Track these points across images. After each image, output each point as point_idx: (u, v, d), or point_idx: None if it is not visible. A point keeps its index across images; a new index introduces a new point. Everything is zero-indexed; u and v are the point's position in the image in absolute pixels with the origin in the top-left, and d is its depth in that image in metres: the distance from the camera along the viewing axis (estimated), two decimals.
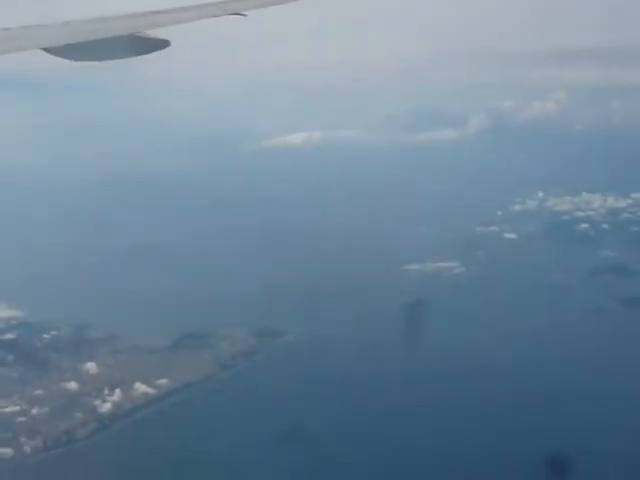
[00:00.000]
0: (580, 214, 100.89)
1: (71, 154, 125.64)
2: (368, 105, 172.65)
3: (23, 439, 53.60)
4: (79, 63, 10.19)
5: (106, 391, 59.99)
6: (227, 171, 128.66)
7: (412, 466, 51.44)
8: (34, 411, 57.31)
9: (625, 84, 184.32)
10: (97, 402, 58.61)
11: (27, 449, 52.62)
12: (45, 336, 70.70)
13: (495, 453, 51.71)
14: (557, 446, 51.07)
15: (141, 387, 60.45)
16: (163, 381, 61.65)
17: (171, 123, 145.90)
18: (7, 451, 51.89)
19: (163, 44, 10.54)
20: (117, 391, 59.66)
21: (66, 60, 9.99)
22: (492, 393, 59.68)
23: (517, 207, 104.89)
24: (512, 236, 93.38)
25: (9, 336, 70.75)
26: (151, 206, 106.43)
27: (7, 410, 57.42)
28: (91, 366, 64.19)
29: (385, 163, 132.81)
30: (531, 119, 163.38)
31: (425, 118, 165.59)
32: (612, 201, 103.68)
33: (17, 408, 57.64)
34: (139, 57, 10.52)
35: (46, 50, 9.51)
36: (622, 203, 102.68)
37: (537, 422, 55.20)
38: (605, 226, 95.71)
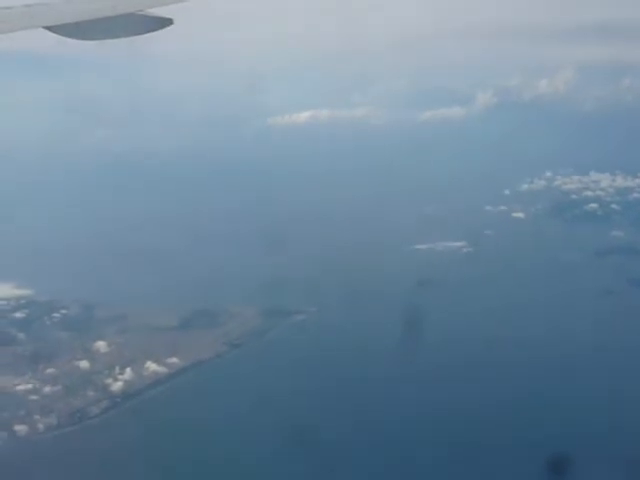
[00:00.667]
0: (589, 194, 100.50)
1: (78, 131, 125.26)
2: (374, 83, 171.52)
3: (37, 417, 53.97)
4: (81, 42, 10.06)
5: (117, 370, 60.27)
6: (233, 149, 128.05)
7: (418, 437, 51.82)
8: (47, 389, 57.66)
9: (635, 62, 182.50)
10: (109, 380, 58.92)
11: (41, 426, 53.01)
12: (55, 315, 70.94)
13: (507, 429, 52.14)
14: (570, 427, 51.57)
15: (152, 366, 60.69)
16: (174, 360, 61.89)
17: (176, 101, 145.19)
18: (22, 428, 52.24)
19: (166, 22, 10.43)
20: (128, 370, 59.98)
21: (68, 39, 9.86)
22: (502, 372, 59.91)
23: (525, 186, 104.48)
24: (520, 215, 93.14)
25: (19, 315, 70.89)
26: (158, 183, 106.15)
27: (20, 388, 57.73)
28: (101, 345, 64.41)
29: (392, 141, 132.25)
30: (538, 97, 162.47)
31: (432, 95, 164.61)
32: (621, 181, 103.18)
33: (30, 386, 57.99)
34: (142, 36, 10.41)
35: (49, 29, 9.39)
36: (631, 183, 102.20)
37: (548, 400, 55.50)
38: (614, 206, 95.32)
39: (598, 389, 56.72)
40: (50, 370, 60.67)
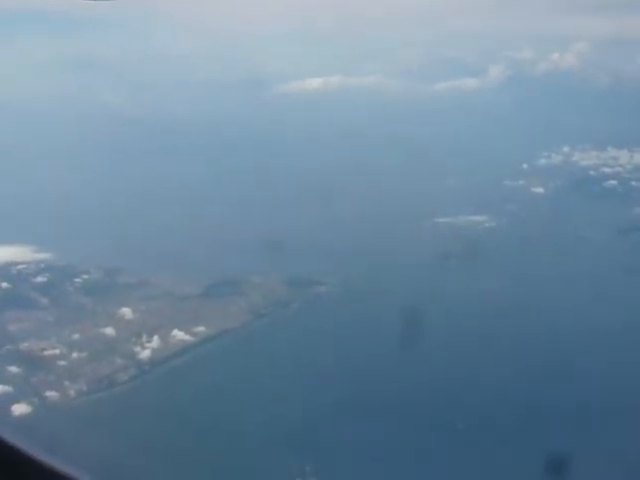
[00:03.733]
0: (607, 170, 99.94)
1: (94, 92, 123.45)
2: (386, 51, 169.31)
3: (67, 383, 53.90)
4: (98, 2, 9.45)
5: (144, 337, 60.11)
6: (245, 114, 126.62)
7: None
8: (74, 355, 57.47)
9: None
10: (136, 348, 58.74)
11: (72, 392, 52.96)
12: (77, 280, 70.39)
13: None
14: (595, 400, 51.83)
15: (179, 334, 60.54)
16: (200, 328, 61.71)
17: (189, 65, 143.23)
18: (53, 394, 52.19)
19: None
20: (155, 337, 59.77)
21: None
22: (526, 346, 59.98)
23: (543, 161, 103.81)
24: (540, 190, 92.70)
25: (40, 279, 70.28)
26: (174, 147, 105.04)
27: (48, 353, 57.53)
28: (126, 311, 64.07)
29: (405, 111, 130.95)
30: (551, 70, 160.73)
31: (443, 66, 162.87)
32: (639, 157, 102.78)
33: (57, 352, 57.71)
34: None
35: None
36: None
37: (571, 374, 55.63)
38: (634, 183, 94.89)
39: (625, 364, 57.04)
40: (76, 336, 60.32)
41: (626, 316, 63.85)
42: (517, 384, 55.37)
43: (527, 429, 49.18)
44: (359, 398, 53.33)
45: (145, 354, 57.90)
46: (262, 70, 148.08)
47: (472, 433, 49.13)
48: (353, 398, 53.27)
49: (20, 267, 72.14)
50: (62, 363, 56.43)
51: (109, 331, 60.76)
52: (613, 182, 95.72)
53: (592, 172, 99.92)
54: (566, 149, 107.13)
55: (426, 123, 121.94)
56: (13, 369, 55.03)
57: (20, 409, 49.71)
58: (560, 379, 55.35)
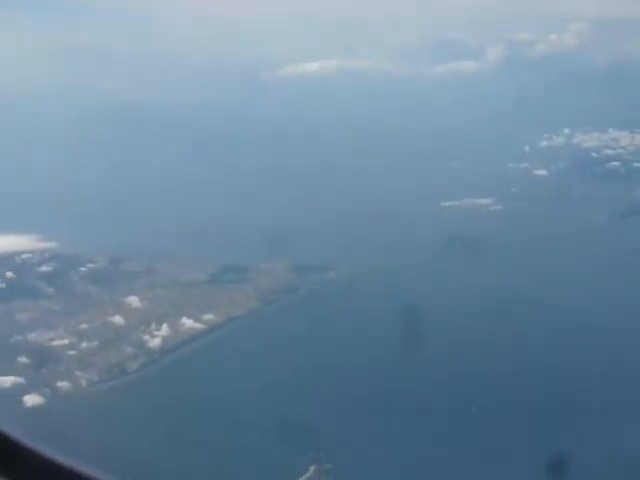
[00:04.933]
0: (609, 152, 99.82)
1: (89, 79, 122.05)
2: (383, 34, 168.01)
3: (78, 372, 53.62)
4: None
5: (153, 326, 59.83)
6: (244, 99, 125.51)
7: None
8: (84, 344, 57.16)
9: None
10: (146, 336, 58.48)
11: (83, 382, 52.71)
12: (82, 269, 69.90)
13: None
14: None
15: (188, 322, 60.28)
16: (209, 316, 61.46)
17: (185, 51, 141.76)
18: (64, 384, 51.92)
19: None
20: (164, 326, 59.49)
21: None
22: (533, 329, 60.03)
23: (544, 143, 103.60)
24: (543, 173, 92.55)
25: (45, 268, 69.80)
26: (173, 134, 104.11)
27: (56, 343, 57.17)
28: (133, 300, 63.71)
29: (405, 94, 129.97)
30: (550, 51, 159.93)
31: (441, 48, 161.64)
32: None
33: (66, 341, 57.36)
34: None
35: None
36: None
37: (576, 359, 55.74)
38: (636, 164, 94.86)
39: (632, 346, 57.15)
40: (84, 325, 60.01)
41: (630, 298, 63.99)
42: (522, 366, 55.53)
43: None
44: (367, 382, 53.42)
45: (155, 342, 57.66)
46: (259, 55, 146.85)
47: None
48: (362, 382, 53.38)
49: (24, 256, 71.60)
50: (72, 353, 56.14)
51: (117, 320, 60.46)
52: (615, 164, 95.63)
53: (594, 154, 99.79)
54: (567, 131, 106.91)
55: (426, 106, 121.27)
56: (22, 360, 54.64)
57: (32, 400, 49.49)
58: (565, 360, 55.57)
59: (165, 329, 59.12)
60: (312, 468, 46.21)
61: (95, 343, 57.69)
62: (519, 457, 44.86)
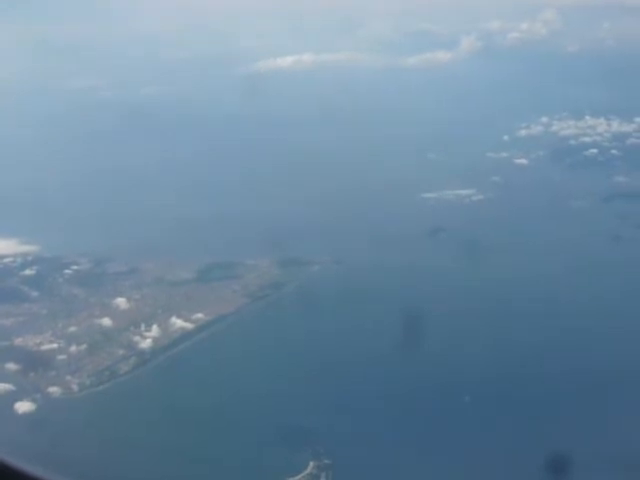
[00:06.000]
0: (587, 139, 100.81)
1: (63, 75, 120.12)
2: (356, 26, 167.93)
3: (68, 377, 52.93)
4: None
5: (142, 326, 59.24)
6: (220, 93, 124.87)
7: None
8: (73, 348, 56.39)
9: (614, 3, 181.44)
10: (136, 338, 57.87)
11: (74, 387, 52.03)
12: (66, 271, 69.03)
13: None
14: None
15: (177, 322, 59.78)
16: (198, 315, 60.95)
17: (159, 46, 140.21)
18: (55, 390, 51.16)
19: None
20: (154, 326, 58.95)
21: None
22: (518, 319, 60.45)
23: (523, 132, 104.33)
24: (523, 162, 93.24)
25: (28, 272, 68.68)
26: (151, 129, 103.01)
27: (45, 348, 56.41)
28: (121, 301, 63.04)
29: (381, 86, 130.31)
30: (522, 40, 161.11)
31: (414, 39, 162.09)
32: (616, 125, 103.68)
33: (55, 345, 56.59)
34: None
35: None
36: (627, 128, 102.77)
37: (564, 343, 56.34)
38: (614, 152, 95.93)
39: (615, 329, 57.92)
40: (72, 328, 59.22)
41: (613, 281, 64.81)
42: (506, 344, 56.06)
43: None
44: (361, 376, 53.52)
45: (146, 343, 57.02)
46: (233, 49, 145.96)
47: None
48: (354, 376, 53.46)
49: (6, 260, 70.57)
50: (61, 357, 55.37)
51: (106, 322, 59.74)
52: (594, 151, 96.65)
53: (572, 142, 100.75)
54: (544, 119, 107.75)
55: (402, 98, 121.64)
56: (11, 366, 53.85)
57: (24, 407, 48.70)
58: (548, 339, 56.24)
59: (155, 330, 58.55)
60: (311, 464, 46.31)
61: (84, 346, 56.89)
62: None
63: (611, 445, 43.69)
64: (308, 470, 45.88)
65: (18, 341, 57.63)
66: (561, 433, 45.32)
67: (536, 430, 46.55)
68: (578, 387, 50.72)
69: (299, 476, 45.38)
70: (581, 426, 46.06)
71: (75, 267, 69.63)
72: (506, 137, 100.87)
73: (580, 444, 43.22)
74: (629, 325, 57.96)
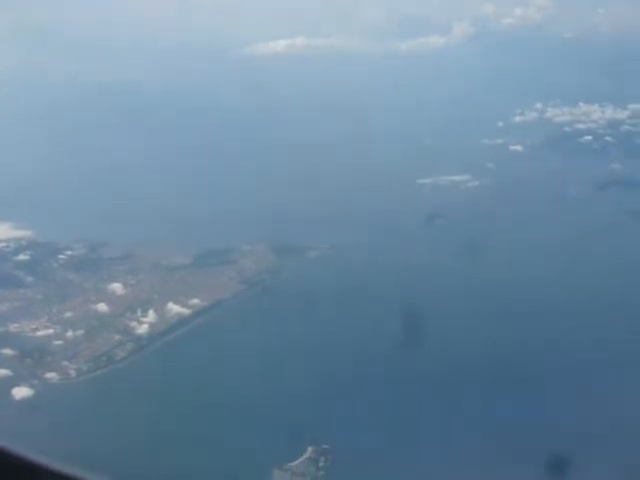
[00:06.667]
0: (581, 126, 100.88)
1: (47, 63, 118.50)
2: (349, 11, 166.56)
3: (65, 362, 52.71)
4: None
5: (139, 312, 59.04)
6: (213, 78, 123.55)
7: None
8: (69, 334, 56.15)
9: None
10: (132, 323, 57.72)
11: (72, 372, 51.86)
12: (61, 256, 68.59)
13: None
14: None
15: (174, 307, 59.61)
16: (195, 301, 60.83)
17: (147, 31, 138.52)
18: (53, 375, 51.03)
19: None
20: (151, 312, 58.77)
21: None
22: (515, 305, 60.62)
23: (517, 118, 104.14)
24: (518, 148, 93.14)
25: (22, 257, 68.20)
26: (142, 118, 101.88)
27: (41, 333, 56.14)
28: (117, 286, 62.80)
29: (374, 72, 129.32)
30: (516, 26, 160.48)
31: (407, 24, 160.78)
32: (611, 112, 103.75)
33: (51, 331, 56.37)
34: None
35: None
36: (621, 115, 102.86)
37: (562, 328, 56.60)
38: (608, 138, 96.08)
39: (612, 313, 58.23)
40: (68, 314, 59.01)
41: (608, 267, 65.09)
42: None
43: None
44: (358, 359, 53.60)
45: (142, 329, 56.97)
46: (225, 33, 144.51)
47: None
48: (350, 359, 53.56)
49: None
50: (58, 343, 55.17)
51: (102, 307, 59.52)
52: (588, 138, 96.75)
53: (567, 128, 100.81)
54: (539, 105, 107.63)
55: (395, 83, 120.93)
56: (7, 351, 53.62)
57: (21, 393, 48.62)
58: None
59: (152, 315, 58.40)
60: (310, 449, 46.44)
61: (81, 332, 56.71)
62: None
63: None
64: (307, 455, 46.13)
65: (14, 327, 57.37)
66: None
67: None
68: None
69: (298, 460, 45.67)
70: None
71: (69, 252, 69.17)
72: (500, 123, 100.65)
73: None
74: (620, 309, 58.27)
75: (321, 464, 45.54)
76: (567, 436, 44.12)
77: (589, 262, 65.72)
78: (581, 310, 59.52)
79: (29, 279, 64.58)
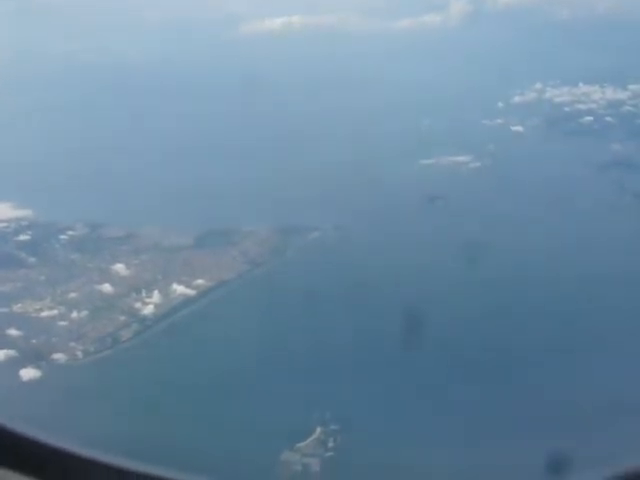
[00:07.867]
0: (581, 106, 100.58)
1: (44, 43, 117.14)
2: None
3: (72, 343, 52.53)
4: None
5: (143, 293, 58.84)
6: (209, 56, 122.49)
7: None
8: (74, 314, 55.92)
9: None
10: (137, 304, 57.53)
11: (79, 353, 51.70)
12: (62, 237, 68.21)
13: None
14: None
15: (179, 288, 59.42)
16: (199, 281, 60.66)
17: (141, 8, 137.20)
18: (60, 356, 50.84)
19: None
20: (155, 292, 58.58)
21: None
22: (518, 289, 60.66)
23: (517, 99, 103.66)
24: (519, 129, 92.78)
25: (24, 237, 67.85)
26: (140, 96, 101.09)
27: (45, 314, 55.89)
28: (120, 267, 62.51)
29: (372, 50, 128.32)
30: (512, 4, 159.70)
31: (404, 2, 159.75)
32: (611, 93, 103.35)
33: (55, 312, 56.12)
34: None
35: None
36: (621, 95, 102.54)
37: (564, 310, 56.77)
38: (609, 119, 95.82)
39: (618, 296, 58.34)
40: (72, 295, 58.76)
41: (609, 248, 65.15)
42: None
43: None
44: (360, 341, 53.69)
45: (148, 310, 56.77)
46: (221, 11, 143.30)
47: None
48: (354, 342, 53.66)
49: (0, 225, 69.48)
50: (63, 323, 54.94)
51: (106, 288, 59.27)
52: (589, 118, 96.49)
53: (567, 109, 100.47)
54: (538, 85, 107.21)
55: (394, 62, 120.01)
56: (12, 332, 53.37)
57: (29, 374, 48.39)
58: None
59: (156, 296, 58.20)
60: (318, 429, 46.59)
61: (85, 313, 56.50)
62: None
63: None
64: (315, 435, 46.30)
65: (17, 307, 57.09)
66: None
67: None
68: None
69: (307, 441, 45.83)
70: None
71: (71, 232, 68.80)
72: (500, 104, 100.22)
73: None
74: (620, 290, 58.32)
75: (330, 445, 45.85)
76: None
77: (590, 242, 65.75)
78: (581, 287, 59.55)
79: (31, 259, 64.21)
